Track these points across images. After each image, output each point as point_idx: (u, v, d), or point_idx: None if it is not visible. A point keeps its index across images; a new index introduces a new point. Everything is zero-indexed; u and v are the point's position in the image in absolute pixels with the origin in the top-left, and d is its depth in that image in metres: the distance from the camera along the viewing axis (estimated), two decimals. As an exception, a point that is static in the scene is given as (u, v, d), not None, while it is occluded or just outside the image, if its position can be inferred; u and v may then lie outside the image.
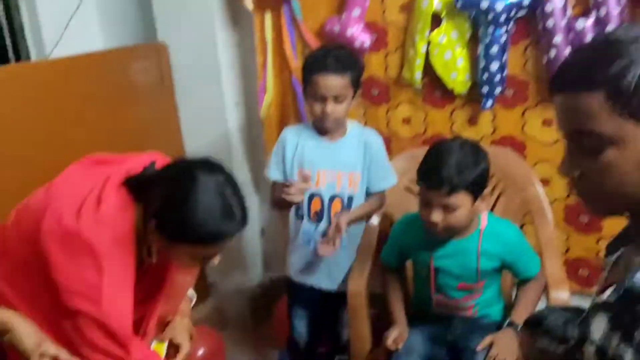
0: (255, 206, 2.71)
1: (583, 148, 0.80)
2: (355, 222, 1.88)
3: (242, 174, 2.61)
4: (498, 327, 1.67)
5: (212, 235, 1.19)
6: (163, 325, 1.44)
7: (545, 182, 2.04)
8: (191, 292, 1.56)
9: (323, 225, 1.89)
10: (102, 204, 1.20)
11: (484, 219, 1.64)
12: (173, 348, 1.42)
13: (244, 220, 1.23)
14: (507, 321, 1.64)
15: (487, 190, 1.59)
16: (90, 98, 2.16)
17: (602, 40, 0.79)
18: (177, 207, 1.17)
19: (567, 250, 2.11)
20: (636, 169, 0.77)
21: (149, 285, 1.37)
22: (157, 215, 1.20)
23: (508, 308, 1.75)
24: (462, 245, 1.63)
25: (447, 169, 1.50)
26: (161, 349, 1.39)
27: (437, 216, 1.54)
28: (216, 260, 1.28)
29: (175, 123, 2.54)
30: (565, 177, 0.87)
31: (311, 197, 1.89)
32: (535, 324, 1.16)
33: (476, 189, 1.54)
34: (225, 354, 2.44)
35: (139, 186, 1.25)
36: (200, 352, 2.31)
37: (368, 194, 1.91)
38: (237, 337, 2.65)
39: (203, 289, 2.77)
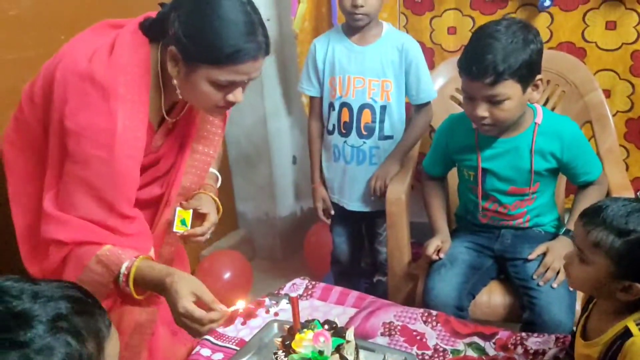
0: (287, 132, 2.58)
1: None
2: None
3: (274, 95, 2.47)
4: (552, 237, 1.50)
5: (233, 52, 1.08)
6: (188, 197, 1.33)
7: (605, 93, 1.84)
8: (216, 172, 1.44)
9: (352, 138, 1.76)
10: (115, 48, 1.09)
11: (539, 113, 1.46)
12: (199, 219, 1.31)
13: (266, 43, 1.14)
14: (564, 229, 1.47)
15: (540, 77, 1.39)
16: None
17: None
18: (198, 23, 1.08)
19: (625, 169, 1.91)
20: None
21: (170, 152, 1.27)
22: (177, 37, 1.09)
23: (563, 221, 1.58)
24: (514, 143, 1.46)
25: (491, 55, 1.32)
26: (187, 215, 1.28)
27: (482, 110, 1.37)
28: (239, 95, 1.17)
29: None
30: None
31: (341, 107, 1.76)
32: (592, 215, 1.01)
33: (526, 75, 1.34)
34: (253, 283, 2.35)
35: (154, 25, 1.15)
36: (227, 276, 2.23)
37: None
38: (266, 266, 2.55)
39: (232, 218, 2.68)
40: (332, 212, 1.87)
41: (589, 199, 1.46)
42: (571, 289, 1.38)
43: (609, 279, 0.98)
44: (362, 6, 1.62)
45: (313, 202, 1.89)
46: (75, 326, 0.62)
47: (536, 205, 1.52)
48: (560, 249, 1.41)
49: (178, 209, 1.27)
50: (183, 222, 1.26)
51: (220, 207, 1.37)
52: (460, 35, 2.05)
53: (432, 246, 1.52)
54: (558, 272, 1.40)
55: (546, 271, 1.41)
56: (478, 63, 1.34)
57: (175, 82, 1.15)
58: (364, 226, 1.91)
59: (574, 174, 1.50)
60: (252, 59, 1.11)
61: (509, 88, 1.34)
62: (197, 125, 1.33)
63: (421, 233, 1.74)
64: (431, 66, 2.08)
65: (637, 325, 0.97)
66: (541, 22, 1.91)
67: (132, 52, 1.11)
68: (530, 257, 1.44)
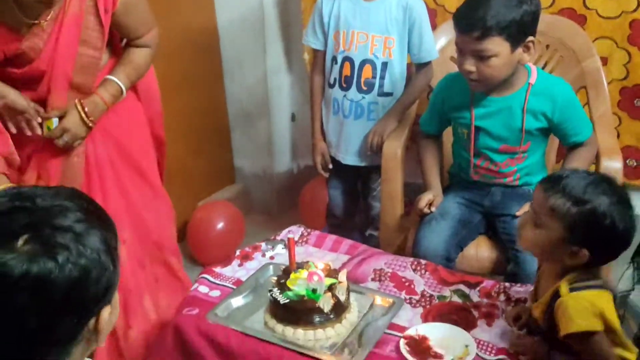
0: (287, 90, 2.60)
1: None
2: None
3: (275, 52, 2.49)
4: (540, 196, 1.55)
5: None
6: (83, 94, 1.45)
7: (603, 60, 1.87)
8: (121, 84, 1.49)
9: (352, 93, 1.80)
10: None
11: (533, 74, 1.50)
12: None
13: None
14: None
15: (532, 40, 1.42)
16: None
17: None
18: None
19: (617, 137, 1.96)
20: None
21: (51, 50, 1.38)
22: None
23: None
24: (507, 103, 1.50)
25: (482, 10, 1.36)
26: (50, 123, 1.42)
27: (469, 65, 1.41)
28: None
29: (208, -8, 2.42)
30: None
31: (343, 62, 1.79)
32: (553, 182, 1.08)
33: (515, 34, 1.38)
34: (247, 236, 2.41)
35: None
36: (219, 225, 2.29)
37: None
38: (261, 220, 2.61)
39: (229, 172, 2.72)
40: (331, 167, 1.91)
41: (578, 159, 1.51)
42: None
43: (560, 243, 1.05)
44: None
45: (312, 156, 1.93)
46: (99, 217, 0.69)
47: (526, 164, 1.57)
48: None
49: (45, 120, 1.42)
50: (49, 128, 1.42)
51: (86, 120, 1.44)
52: (464, -3, 2.06)
53: (424, 200, 1.58)
54: None
55: None
56: (468, 17, 1.38)
57: None
58: (359, 181, 1.96)
59: (565, 135, 1.55)
60: None
61: (497, 45, 1.38)
62: (77, 32, 1.40)
63: (415, 193, 1.79)
64: (434, 26, 2.08)
65: (570, 285, 1.05)
66: (544, -13, 1.93)
67: None
68: (517, 213, 1.49)
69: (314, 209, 2.36)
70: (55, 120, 1.42)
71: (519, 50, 1.42)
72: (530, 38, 1.42)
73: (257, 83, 2.52)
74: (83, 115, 1.43)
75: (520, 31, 1.39)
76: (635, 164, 1.97)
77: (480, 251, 1.56)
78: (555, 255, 1.08)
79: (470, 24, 1.37)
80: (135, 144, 1.60)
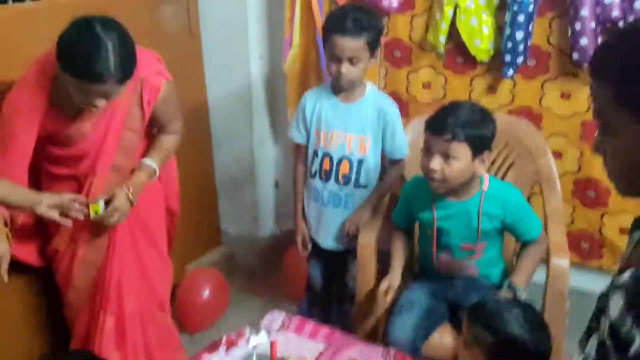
0: (271, 159, 2.78)
1: (603, 128, 0.85)
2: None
3: (261, 126, 2.67)
4: (497, 287, 1.74)
5: (79, 68, 1.39)
6: (123, 175, 1.68)
7: (557, 154, 2.08)
8: (154, 165, 1.73)
9: (331, 184, 1.97)
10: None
11: (486, 181, 1.69)
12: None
13: (116, 70, 1.40)
14: (507, 282, 1.71)
15: (488, 155, 1.63)
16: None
17: (628, 33, 0.82)
18: (64, 38, 1.42)
19: (571, 223, 2.16)
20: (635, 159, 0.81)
21: (97, 135, 1.61)
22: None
23: (509, 271, 1.81)
24: (464, 207, 1.69)
25: (453, 118, 1.57)
26: (97, 207, 1.58)
27: (436, 163, 1.60)
28: (99, 103, 1.46)
29: (200, 71, 2.59)
30: (595, 153, 0.90)
31: (323, 156, 1.96)
32: (476, 310, 1.27)
33: (477, 145, 1.59)
34: (232, 299, 2.55)
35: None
36: (205, 292, 2.43)
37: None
38: (245, 284, 2.75)
39: (215, 235, 2.87)
40: (310, 247, 2.07)
41: (528, 256, 1.71)
42: None
43: None
44: (345, 74, 1.81)
45: (295, 236, 2.10)
46: None
47: (484, 259, 1.76)
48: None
49: (91, 204, 1.59)
50: (96, 212, 1.59)
51: (132, 199, 1.65)
52: (434, 90, 2.26)
53: (382, 287, 1.72)
54: None
55: None
56: (442, 121, 1.59)
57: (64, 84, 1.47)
58: (336, 262, 2.12)
59: (517, 234, 1.74)
60: (99, 82, 1.40)
61: (462, 150, 1.58)
62: (124, 117, 1.64)
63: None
64: (405, 115, 2.30)
65: None
66: (505, 86, 2.14)
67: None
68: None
69: (295, 272, 2.52)
70: (100, 202, 1.60)
71: (477, 160, 1.61)
72: (487, 153, 1.62)
73: (244, 153, 2.70)
74: (130, 196, 1.64)
75: (481, 144, 1.60)
76: (588, 247, 2.17)
77: (445, 339, 1.73)
78: None
79: (444, 127, 1.58)
80: (152, 216, 1.84)
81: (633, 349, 0.75)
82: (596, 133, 0.88)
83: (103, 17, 1.45)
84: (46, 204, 1.50)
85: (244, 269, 2.84)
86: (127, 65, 1.44)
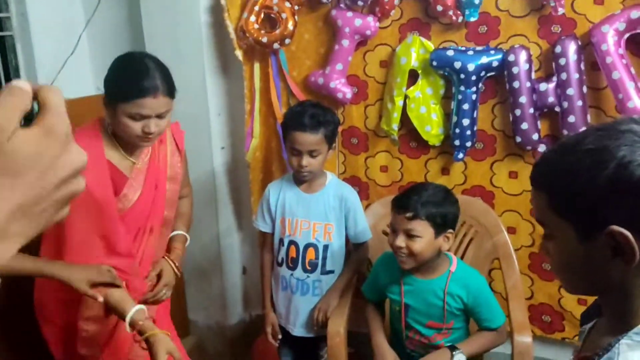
0: (237, 246, 2.80)
1: (545, 232, 0.91)
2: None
3: (226, 214, 2.71)
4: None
5: (131, 87, 1.47)
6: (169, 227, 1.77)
7: (512, 230, 2.19)
8: (185, 234, 1.84)
9: (298, 271, 2.02)
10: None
11: (454, 263, 1.77)
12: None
13: (163, 83, 1.50)
14: (449, 344, 1.74)
15: (451, 232, 1.72)
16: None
17: (560, 148, 0.87)
18: (109, 75, 1.54)
19: (531, 296, 2.24)
20: (571, 262, 0.85)
21: (149, 193, 1.64)
22: (104, 91, 1.54)
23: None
24: (431, 285, 1.76)
25: (415, 197, 1.67)
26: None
27: (400, 241, 1.68)
28: (152, 126, 1.49)
29: (164, 164, 2.65)
30: (543, 254, 0.95)
31: (289, 245, 2.01)
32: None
33: (438, 223, 1.67)
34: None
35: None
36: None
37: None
38: (216, 374, 2.71)
39: (184, 325, 2.83)
40: (280, 337, 2.08)
41: (483, 336, 1.77)
42: None
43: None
44: (306, 166, 1.90)
45: (263, 326, 2.10)
46: None
47: (452, 338, 1.80)
48: (435, 356, 1.73)
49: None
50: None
51: (177, 270, 1.74)
52: (391, 173, 2.37)
53: None
54: None
55: None
56: (405, 201, 1.68)
57: (108, 121, 1.55)
58: (307, 349, 2.13)
59: (477, 319, 1.80)
60: (150, 95, 1.47)
61: (423, 227, 1.66)
62: (166, 170, 1.70)
63: (361, 343, 1.99)
64: (366, 197, 2.39)
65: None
66: (457, 168, 2.26)
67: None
68: None
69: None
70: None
71: (441, 238, 1.69)
72: (450, 231, 1.71)
73: (210, 242, 2.72)
74: (175, 269, 1.72)
75: (443, 222, 1.68)
76: (550, 319, 2.23)
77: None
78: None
79: (405, 206, 1.67)
80: None
81: None
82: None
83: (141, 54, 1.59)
84: (85, 288, 1.51)
85: (214, 358, 2.79)
86: (170, 80, 1.54)
